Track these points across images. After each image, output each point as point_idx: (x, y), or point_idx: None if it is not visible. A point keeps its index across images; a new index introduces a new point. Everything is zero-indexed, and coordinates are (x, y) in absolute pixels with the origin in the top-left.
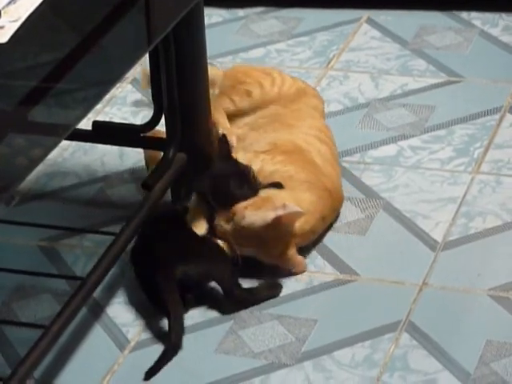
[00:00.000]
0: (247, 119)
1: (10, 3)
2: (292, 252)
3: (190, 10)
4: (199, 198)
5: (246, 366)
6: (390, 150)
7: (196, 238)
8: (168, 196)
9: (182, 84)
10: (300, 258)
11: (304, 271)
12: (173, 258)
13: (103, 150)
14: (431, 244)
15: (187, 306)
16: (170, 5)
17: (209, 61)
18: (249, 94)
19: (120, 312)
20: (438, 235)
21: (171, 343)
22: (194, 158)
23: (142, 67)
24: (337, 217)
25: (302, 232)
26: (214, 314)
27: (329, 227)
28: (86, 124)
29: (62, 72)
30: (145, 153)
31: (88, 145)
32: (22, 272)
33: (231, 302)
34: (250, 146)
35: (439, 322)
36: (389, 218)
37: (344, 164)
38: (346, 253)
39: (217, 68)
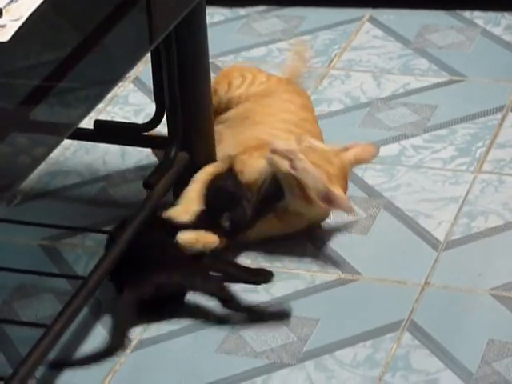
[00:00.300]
0: (223, 117)
1: (11, 2)
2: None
3: (192, 9)
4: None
5: (248, 366)
6: (391, 149)
7: (169, 247)
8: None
9: (183, 83)
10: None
11: (351, 210)
12: (144, 269)
13: (105, 149)
14: (433, 243)
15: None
16: (172, 4)
17: (210, 60)
18: (215, 92)
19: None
20: (440, 235)
21: (110, 346)
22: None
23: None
24: (338, 216)
25: None
26: (215, 313)
27: (331, 227)
28: (87, 123)
29: (64, 71)
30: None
31: (90, 144)
32: (23, 271)
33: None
34: (223, 148)
35: (441, 322)
36: (391, 217)
37: None
38: (348, 252)
39: None
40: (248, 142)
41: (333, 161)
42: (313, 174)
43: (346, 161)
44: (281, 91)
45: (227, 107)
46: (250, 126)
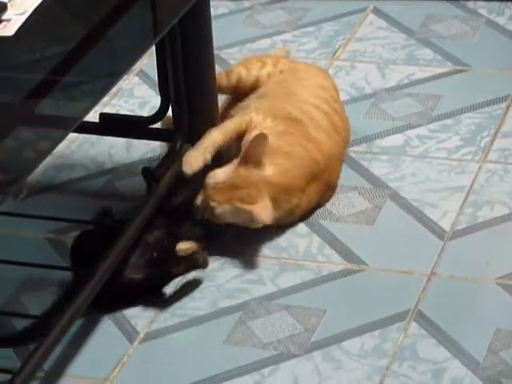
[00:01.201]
0: (257, 92)
1: None
2: (266, 202)
3: (196, 2)
4: None
5: (255, 357)
6: (396, 139)
7: None
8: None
9: (188, 75)
10: (268, 210)
11: (266, 223)
12: None
13: (110, 142)
14: (439, 233)
15: None
16: None
17: (215, 52)
18: (231, 72)
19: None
20: (445, 224)
21: None
22: None
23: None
24: (344, 207)
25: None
26: (222, 304)
27: (337, 218)
28: (92, 116)
29: (69, 65)
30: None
31: (95, 137)
32: (30, 264)
33: None
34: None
35: (448, 311)
36: (396, 207)
37: (351, 154)
38: (354, 243)
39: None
40: (274, 110)
41: (240, 180)
42: (230, 213)
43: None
44: (314, 69)
45: (253, 87)
46: (281, 96)
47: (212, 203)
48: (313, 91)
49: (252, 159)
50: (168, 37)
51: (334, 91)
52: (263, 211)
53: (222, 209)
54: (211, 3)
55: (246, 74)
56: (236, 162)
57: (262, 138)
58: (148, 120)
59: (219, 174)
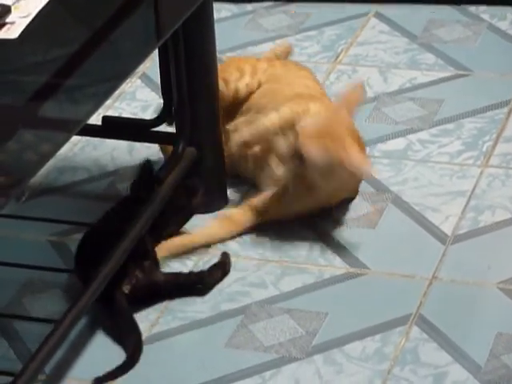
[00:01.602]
0: (246, 105)
1: None
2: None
3: (199, 5)
4: None
5: (257, 360)
6: (398, 143)
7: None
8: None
9: (191, 78)
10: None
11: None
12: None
13: (113, 144)
14: (441, 237)
15: None
16: (179, 0)
17: (218, 55)
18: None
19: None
20: (447, 228)
21: (129, 356)
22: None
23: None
24: (346, 210)
25: None
26: (224, 308)
27: (339, 221)
28: (95, 119)
29: (72, 68)
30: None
31: (97, 140)
32: (32, 267)
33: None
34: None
35: (449, 316)
36: (398, 211)
37: None
38: (355, 246)
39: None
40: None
41: (335, 125)
42: (325, 161)
43: (344, 114)
44: (293, 70)
45: (234, 100)
46: (278, 103)
47: (305, 150)
48: (303, 89)
49: (347, 106)
50: (171, 40)
51: (319, 87)
52: (357, 158)
53: (316, 155)
54: (214, 6)
55: (225, 89)
56: (330, 108)
57: (359, 87)
58: (150, 123)
59: (312, 121)
